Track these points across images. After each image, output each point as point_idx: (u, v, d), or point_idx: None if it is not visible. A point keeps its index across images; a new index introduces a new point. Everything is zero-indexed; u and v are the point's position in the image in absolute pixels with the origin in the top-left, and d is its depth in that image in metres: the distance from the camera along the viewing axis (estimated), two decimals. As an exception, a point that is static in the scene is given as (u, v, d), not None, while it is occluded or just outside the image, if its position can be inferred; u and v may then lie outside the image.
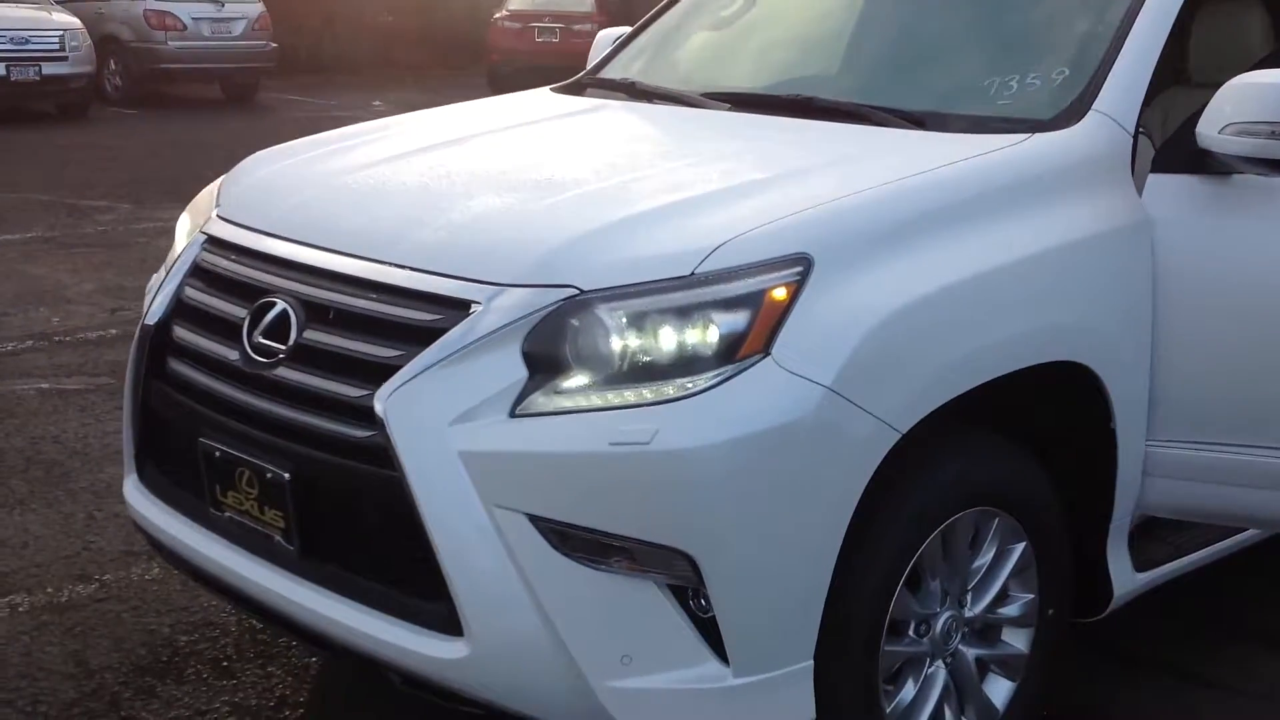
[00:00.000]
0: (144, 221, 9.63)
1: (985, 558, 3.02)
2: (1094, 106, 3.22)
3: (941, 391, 2.76)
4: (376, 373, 2.72)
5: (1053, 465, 3.10)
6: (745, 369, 2.55)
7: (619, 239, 2.71)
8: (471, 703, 2.69)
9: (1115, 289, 3.07)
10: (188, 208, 3.63)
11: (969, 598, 3.02)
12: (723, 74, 4.11)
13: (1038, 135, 3.16)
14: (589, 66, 4.60)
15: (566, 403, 2.61)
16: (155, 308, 3.22)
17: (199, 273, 3.22)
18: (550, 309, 2.62)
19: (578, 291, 2.62)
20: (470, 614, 2.60)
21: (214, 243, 3.24)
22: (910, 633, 2.92)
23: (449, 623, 2.64)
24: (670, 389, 2.55)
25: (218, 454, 2.99)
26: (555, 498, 2.57)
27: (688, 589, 2.59)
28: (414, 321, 2.73)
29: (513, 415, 2.62)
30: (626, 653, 2.59)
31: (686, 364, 2.57)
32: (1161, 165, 3.29)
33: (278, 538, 2.92)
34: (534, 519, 2.58)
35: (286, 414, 2.85)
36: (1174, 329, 3.15)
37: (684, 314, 2.59)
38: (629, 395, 2.57)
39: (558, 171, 3.21)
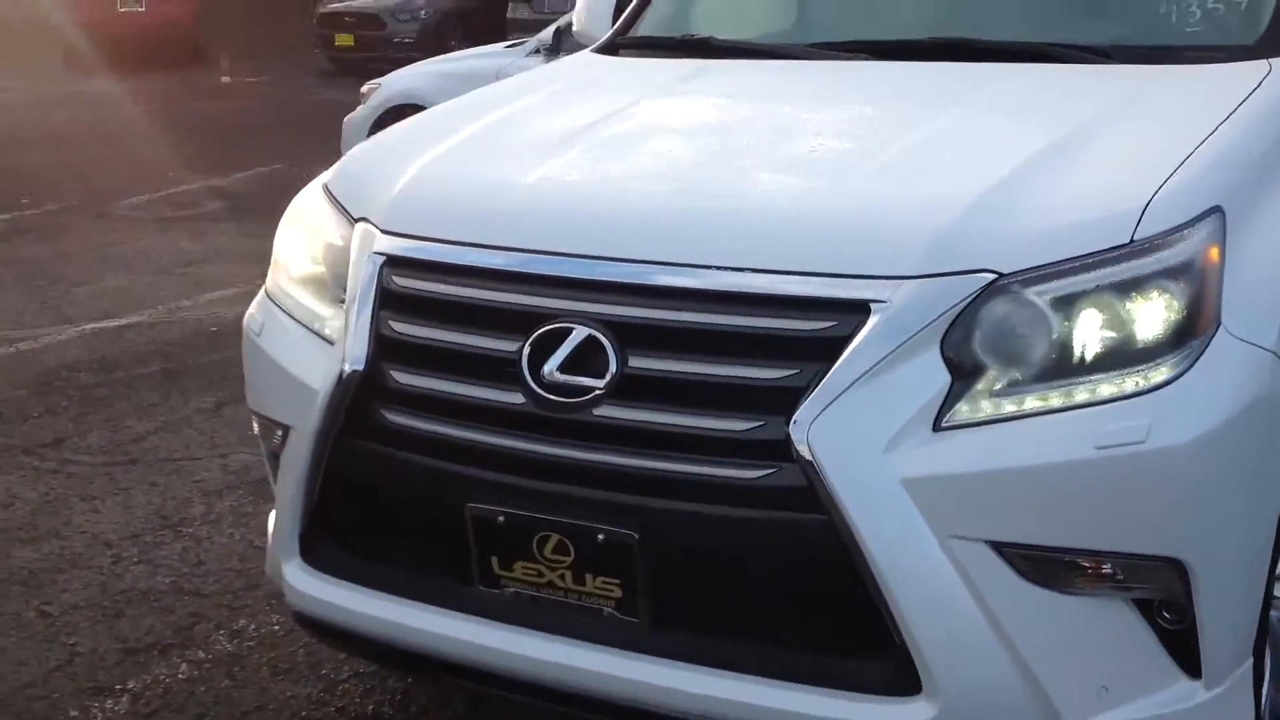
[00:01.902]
0: None
1: None
2: None
3: None
4: (762, 399, 2.27)
5: None
6: (1209, 344, 2.26)
7: (1020, 208, 2.34)
8: None
9: None
10: (290, 218, 2.99)
11: None
12: (817, 24, 3.72)
13: (1273, 58, 2.97)
14: (580, 24, 4.13)
15: (1007, 407, 2.24)
16: (352, 351, 2.59)
17: (402, 303, 2.62)
18: (968, 300, 2.24)
19: (996, 275, 2.26)
20: (935, 666, 2.21)
21: (408, 265, 2.64)
22: None
23: (900, 682, 2.25)
24: (1138, 379, 2.23)
25: (501, 519, 2.45)
26: (1023, 519, 2.22)
27: (1154, 602, 2.29)
28: (801, 333, 2.28)
29: (938, 429, 2.23)
30: (1104, 684, 2.28)
31: (1143, 347, 2.25)
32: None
33: (609, 610, 2.41)
34: (998, 546, 2.21)
35: (625, 462, 2.35)
36: None
37: (1127, 288, 2.26)
38: (1087, 391, 2.24)
39: (822, 144, 2.79)
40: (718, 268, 2.35)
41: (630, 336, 2.37)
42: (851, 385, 2.21)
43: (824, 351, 2.25)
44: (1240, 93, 2.76)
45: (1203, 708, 2.32)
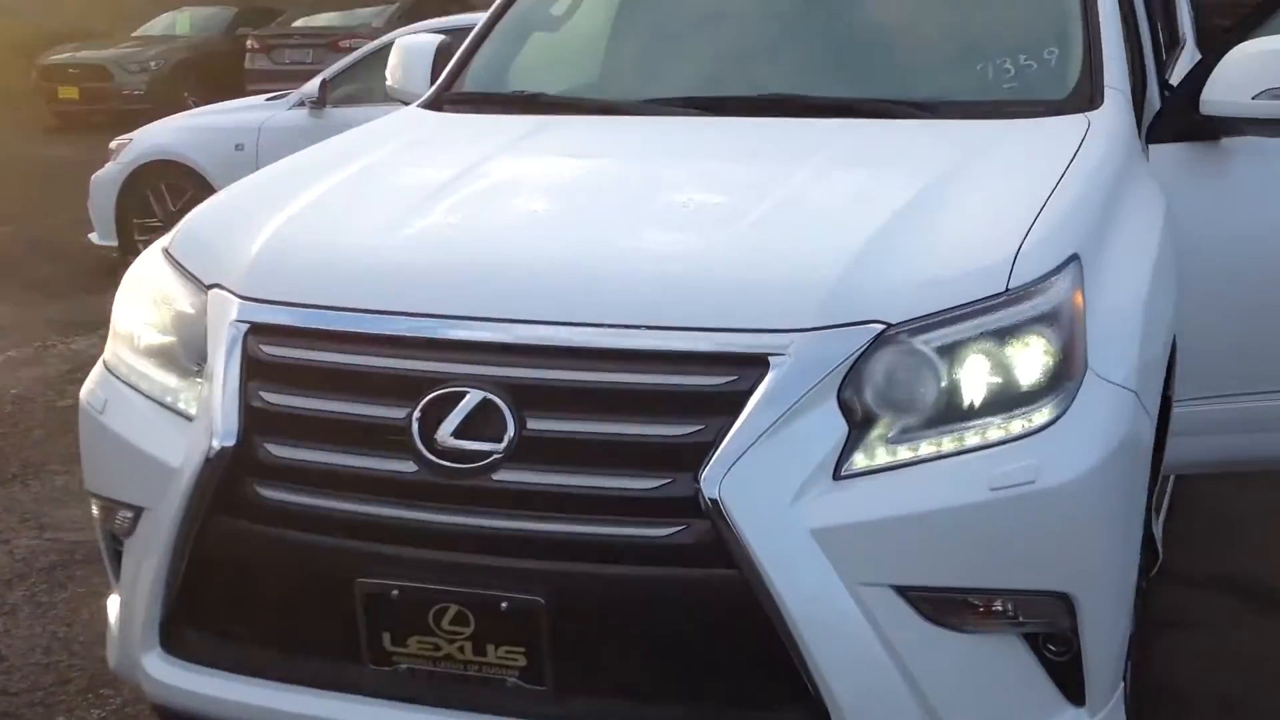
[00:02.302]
0: None
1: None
2: (1107, 83, 3.27)
3: (1162, 371, 2.72)
4: (668, 456, 2.28)
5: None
6: (1080, 385, 2.38)
7: (900, 260, 2.42)
8: None
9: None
10: (130, 286, 2.86)
11: None
12: (646, 80, 3.75)
13: (1091, 112, 3.15)
14: (395, 80, 4.09)
15: (902, 455, 2.31)
16: (221, 425, 2.48)
17: (273, 372, 2.53)
18: (861, 350, 2.31)
19: (885, 326, 2.33)
20: (849, 713, 2.25)
21: (276, 332, 2.55)
22: None
23: None
24: (1023, 421, 2.33)
25: (395, 593, 2.38)
26: (925, 561, 2.29)
27: (1039, 635, 2.38)
28: (704, 388, 2.30)
29: (838, 478, 2.29)
30: (1001, 717, 2.36)
31: (1025, 390, 2.36)
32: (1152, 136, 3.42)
33: (512, 680, 2.37)
34: (902, 590, 2.27)
35: (528, 526, 2.32)
36: (1188, 289, 3.23)
37: (1006, 335, 2.37)
38: (977, 435, 2.33)
39: (694, 199, 2.82)
40: (616, 326, 2.35)
41: (527, 398, 2.34)
42: (758, 439, 2.23)
43: (727, 406, 2.27)
44: (1071, 144, 2.92)
45: None
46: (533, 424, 2.33)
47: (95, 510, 2.86)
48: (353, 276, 2.59)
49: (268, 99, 9.12)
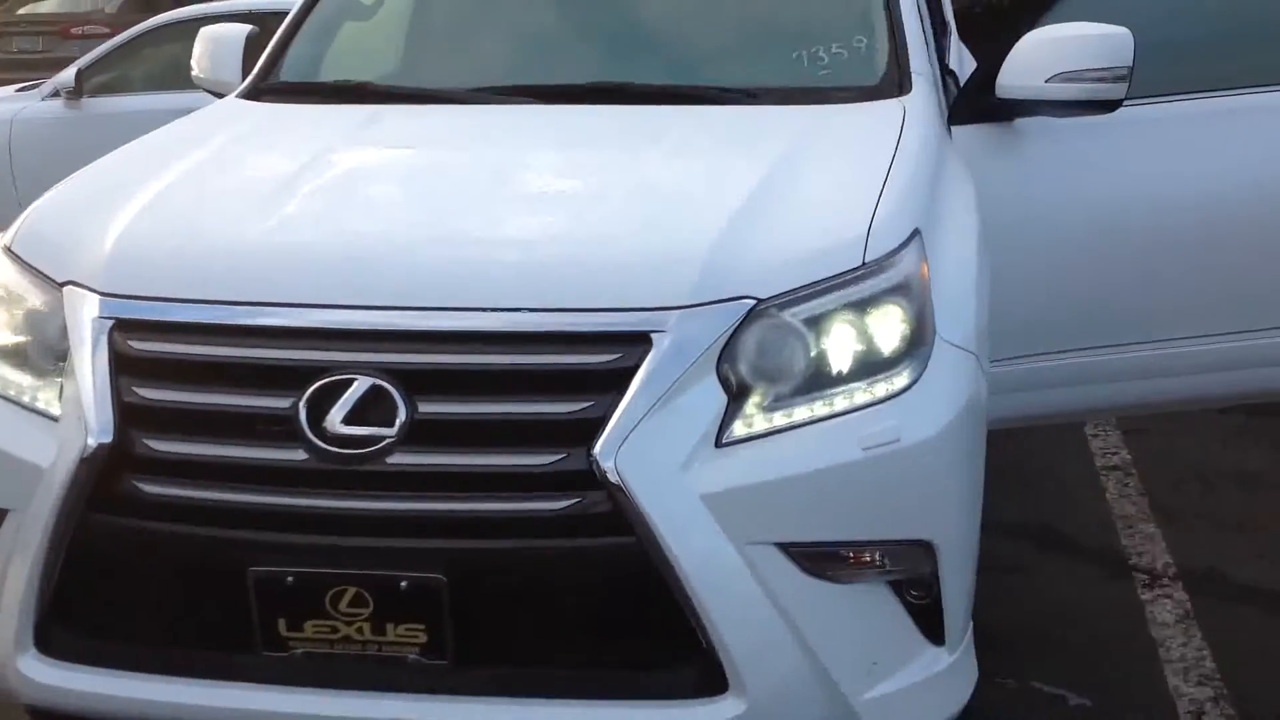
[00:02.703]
0: None
1: None
2: (914, 68, 3.50)
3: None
4: (560, 432, 2.38)
5: None
6: (934, 349, 2.57)
7: (764, 239, 2.57)
8: None
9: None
10: None
11: None
12: (471, 69, 3.80)
13: (903, 98, 3.37)
14: (203, 70, 4.05)
15: (777, 420, 2.47)
16: (96, 421, 2.46)
17: (146, 367, 2.51)
18: (735, 325, 2.45)
19: (756, 301, 2.48)
20: (741, 663, 2.40)
21: (145, 328, 2.54)
22: None
23: (706, 684, 2.42)
24: (886, 385, 2.51)
25: (290, 579, 2.42)
26: (804, 519, 2.45)
27: (904, 582, 2.58)
28: (592, 366, 2.40)
29: (720, 445, 2.43)
30: (874, 660, 2.55)
31: (886, 357, 2.53)
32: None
33: (412, 656, 2.44)
34: (784, 547, 2.43)
35: (426, 507, 2.39)
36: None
37: (865, 305, 2.54)
38: (845, 399, 2.49)
39: (552, 185, 2.91)
40: (500, 310, 2.43)
41: (417, 383, 2.40)
42: (646, 413, 2.35)
43: (614, 383, 2.37)
44: (894, 127, 3.12)
45: (949, 670, 2.63)
46: (424, 408, 2.39)
47: None
48: (222, 268, 2.59)
49: (18, 89, 8.73)
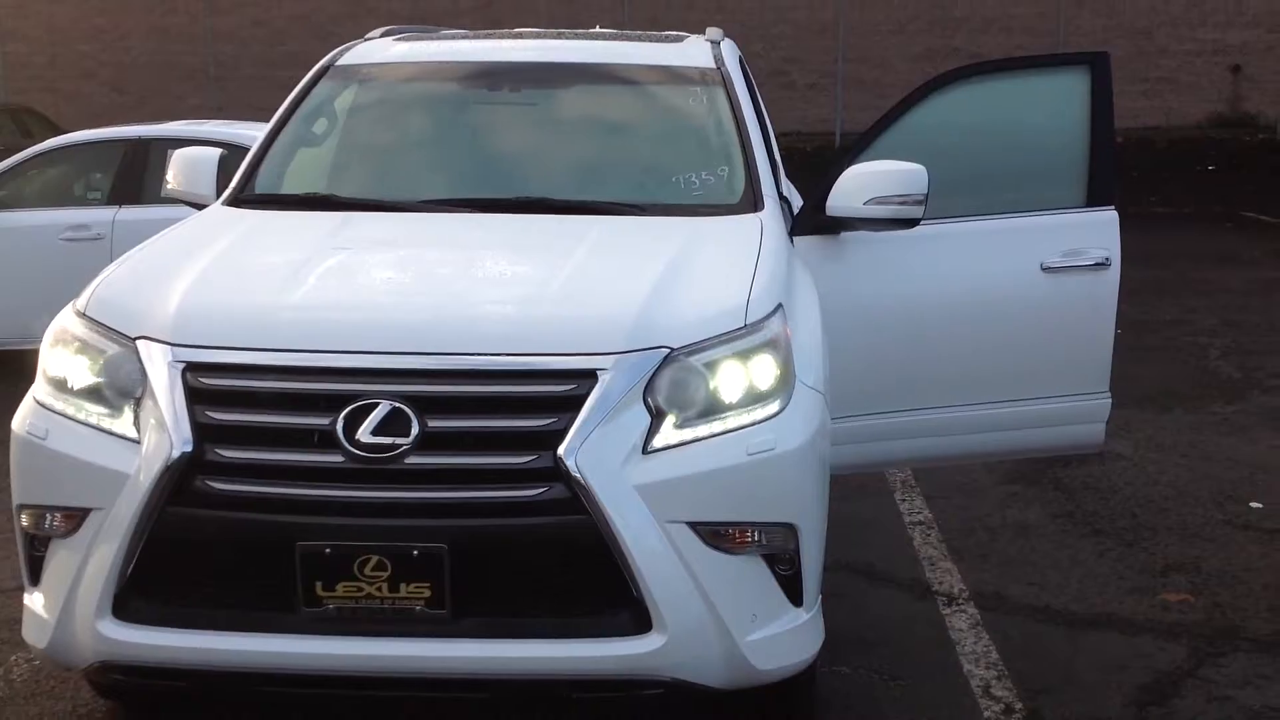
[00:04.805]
0: None
1: None
2: (765, 193, 4.56)
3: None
4: (533, 440, 3.29)
5: None
6: (795, 387, 3.57)
7: (671, 306, 3.53)
8: (654, 685, 3.37)
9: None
10: (55, 340, 3.59)
11: None
12: (415, 185, 4.75)
13: (759, 213, 4.42)
14: (178, 184, 4.88)
15: (687, 435, 3.41)
16: (176, 436, 3.28)
17: (215, 397, 3.34)
18: (655, 367, 3.41)
19: (670, 350, 3.44)
20: (664, 609, 3.31)
21: (212, 369, 3.37)
22: None
23: (638, 624, 3.32)
24: (763, 410, 3.48)
25: (328, 550, 3.26)
26: (707, 505, 3.38)
27: (774, 556, 3.53)
28: (554, 394, 3.33)
29: (646, 453, 3.37)
30: (754, 612, 3.48)
31: (763, 391, 3.50)
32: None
33: (420, 608, 3.29)
34: (693, 525, 3.36)
35: (432, 495, 3.26)
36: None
37: (748, 354, 3.51)
38: (735, 420, 3.45)
39: (509, 268, 3.86)
40: (488, 354, 3.35)
41: (427, 406, 3.29)
42: (595, 427, 3.28)
43: (571, 405, 3.30)
44: (755, 233, 4.15)
45: (806, 624, 3.58)
46: (432, 423, 3.28)
47: (24, 520, 3.53)
48: (270, 323, 3.46)
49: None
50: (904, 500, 6.26)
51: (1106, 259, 4.90)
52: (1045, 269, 4.89)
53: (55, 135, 11.16)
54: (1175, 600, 5.09)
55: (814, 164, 15.06)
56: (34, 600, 3.55)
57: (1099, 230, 4.92)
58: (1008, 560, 5.54)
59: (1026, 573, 5.39)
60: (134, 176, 9.06)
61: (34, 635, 3.55)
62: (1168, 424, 7.55)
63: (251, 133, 8.16)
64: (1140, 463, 6.83)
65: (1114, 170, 4.95)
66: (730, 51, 5.34)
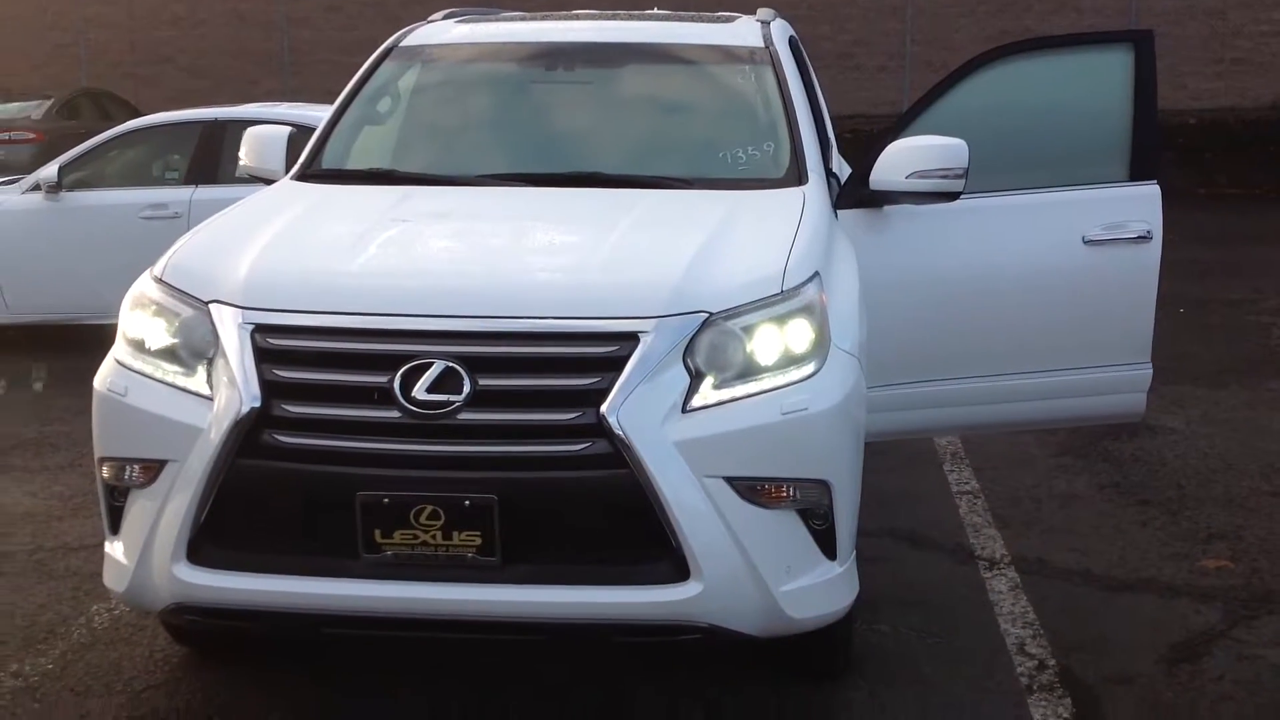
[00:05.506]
0: None
1: None
2: (810, 167, 4.72)
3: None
4: (578, 398, 3.47)
5: None
6: (830, 351, 3.74)
7: (711, 273, 3.71)
8: (692, 630, 3.56)
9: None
10: (133, 304, 3.82)
11: None
12: (472, 161, 4.96)
13: (802, 187, 4.58)
14: (252, 160, 5.13)
15: (724, 395, 3.59)
16: (246, 393, 3.51)
17: (282, 357, 3.56)
18: (695, 330, 3.59)
19: (709, 314, 3.62)
20: (701, 559, 3.49)
21: (280, 330, 3.59)
22: None
23: (676, 572, 3.50)
24: (798, 373, 3.65)
25: (386, 500, 3.47)
26: (744, 461, 3.55)
27: (809, 511, 3.70)
28: (599, 355, 3.51)
29: (685, 411, 3.55)
30: (788, 564, 3.66)
31: (799, 355, 3.67)
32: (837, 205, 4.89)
33: (471, 555, 3.49)
34: (730, 480, 3.54)
35: (484, 449, 3.46)
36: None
37: (784, 319, 3.69)
38: (771, 381, 3.62)
39: (559, 238, 4.06)
40: (537, 317, 3.54)
41: (478, 365, 3.49)
42: (637, 386, 3.47)
43: (615, 365, 3.49)
44: (797, 206, 4.31)
45: (839, 577, 3.75)
46: (483, 381, 3.48)
47: (105, 472, 3.78)
48: (334, 288, 3.68)
49: (1, 182, 9.68)
50: (952, 471, 6.39)
51: (1148, 232, 5.01)
52: (1087, 241, 5.00)
53: (133, 118, 11.51)
54: (1214, 566, 5.19)
55: (878, 145, 15.07)
56: (114, 548, 3.80)
57: (1141, 204, 5.03)
58: (1051, 528, 5.66)
59: (1069, 540, 5.51)
60: (210, 157, 9.37)
61: (114, 580, 3.80)
62: (1222, 400, 7.60)
63: (319, 114, 8.39)
64: (1191, 436, 6.90)
65: (1156, 146, 5.06)
66: (780, 31, 5.50)
